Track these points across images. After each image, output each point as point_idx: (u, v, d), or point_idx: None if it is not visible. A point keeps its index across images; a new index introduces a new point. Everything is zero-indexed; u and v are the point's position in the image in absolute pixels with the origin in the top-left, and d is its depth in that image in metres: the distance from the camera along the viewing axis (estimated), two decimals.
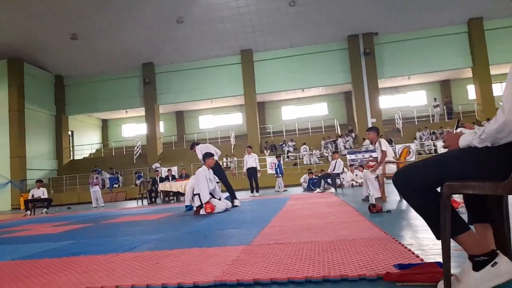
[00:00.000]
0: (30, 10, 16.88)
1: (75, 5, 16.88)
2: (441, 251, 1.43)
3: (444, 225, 1.41)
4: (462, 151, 1.44)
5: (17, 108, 19.75)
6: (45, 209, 11.32)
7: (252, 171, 11.04)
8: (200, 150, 7.50)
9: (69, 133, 24.21)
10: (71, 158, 24.12)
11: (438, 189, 1.48)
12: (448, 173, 1.43)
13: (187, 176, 12.79)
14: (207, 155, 6.60)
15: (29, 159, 20.30)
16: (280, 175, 13.04)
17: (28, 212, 11.07)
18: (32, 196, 11.47)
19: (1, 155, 19.56)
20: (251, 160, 11.09)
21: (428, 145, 18.56)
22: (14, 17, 17.28)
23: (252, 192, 11.10)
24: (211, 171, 6.55)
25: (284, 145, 21.14)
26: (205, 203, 5.93)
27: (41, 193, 11.50)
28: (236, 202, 7.01)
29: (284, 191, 12.59)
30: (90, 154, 25.46)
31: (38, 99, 21.56)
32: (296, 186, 14.91)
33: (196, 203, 6.15)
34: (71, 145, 24.55)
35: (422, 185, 1.47)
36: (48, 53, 20.60)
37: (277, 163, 13.25)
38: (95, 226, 5.38)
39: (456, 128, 1.67)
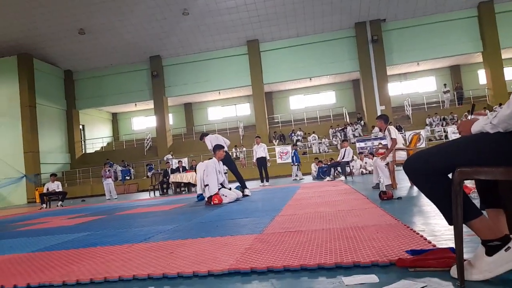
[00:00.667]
0: (38, 5, 17.01)
1: (82, 0, 16.97)
2: (453, 236, 1.44)
3: (456, 211, 1.41)
4: (474, 136, 1.44)
5: (28, 104, 20.03)
6: (60, 202, 11.54)
7: (261, 161, 11.09)
8: (210, 140, 7.56)
9: (80, 127, 24.51)
10: (83, 152, 24.46)
11: (450, 175, 1.48)
12: (460, 158, 1.43)
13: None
14: (218, 147, 6.63)
15: (42, 153, 20.65)
16: (297, 164, 13.11)
17: (44, 205, 11.31)
18: (47, 189, 11.70)
19: (15, 150, 19.92)
20: (260, 150, 11.13)
21: (438, 131, 18.36)
22: (22, 14, 17.45)
23: (262, 181, 11.17)
24: (221, 163, 6.60)
25: (293, 134, 21.11)
26: (213, 195, 5.99)
27: (56, 186, 11.73)
28: (247, 192, 7.06)
29: (301, 179, 12.66)
30: (102, 147, 25.77)
31: (49, 94, 21.82)
32: (306, 175, 14.91)
33: (207, 193, 6.22)
34: (82, 139, 24.88)
35: (433, 171, 1.48)
36: (56, 48, 20.79)
37: (293, 151, 13.36)
38: (110, 218, 5.48)
39: (471, 113, 1.66)
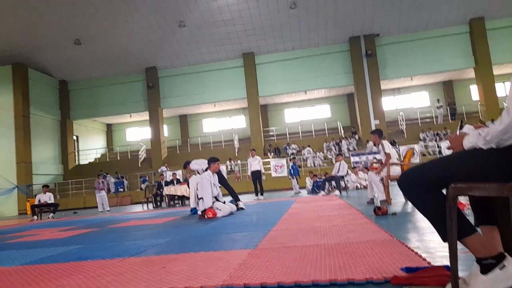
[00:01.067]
0: (33, 15, 17.05)
1: (78, 10, 17.05)
2: (448, 253, 1.43)
3: (450, 227, 1.41)
4: (467, 152, 1.44)
5: (22, 114, 19.90)
6: (51, 214, 11.38)
7: (256, 174, 11.02)
8: (195, 162, 7.57)
9: (74, 138, 24.33)
10: (77, 163, 24.24)
11: (444, 191, 1.48)
12: (454, 174, 1.43)
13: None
14: (213, 160, 6.61)
15: (34, 164, 20.44)
16: (296, 176, 13.09)
17: (35, 217, 11.13)
18: (39, 201, 11.53)
19: (7, 160, 19.69)
20: (255, 163, 11.07)
21: (432, 146, 18.49)
22: (18, 23, 17.47)
23: (256, 195, 11.10)
24: (215, 175, 6.58)
25: (287, 147, 21.14)
26: (207, 209, 5.93)
27: (48, 198, 11.57)
28: (241, 205, 7.02)
29: (298, 192, 12.64)
30: (95, 158, 25.57)
31: (43, 104, 21.71)
32: (301, 188, 14.86)
33: (201, 207, 6.17)
34: (76, 149, 24.68)
35: (427, 186, 1.48)
36: (51, 58, 20.78)
37: (292, 164, 13.34)
38: (102, 231, 5.41)
39: (460, 129, 1.67)
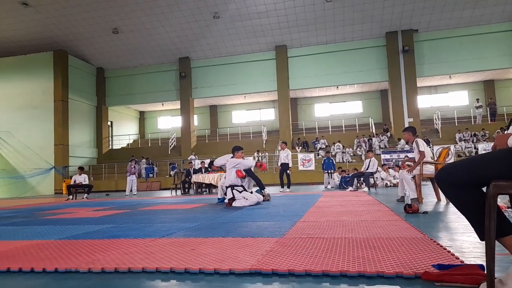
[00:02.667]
0: (75, 5, 17.71)
1: (118, 1, 17.57)
2: (482, 254, 1.40)
3: (489, 226, 1.37)
4: (510, 150, 1.39)
5: (61, 98, 20.79)
6: (85, 195, 11.90)
7: (284, 167, 11.06)
8: (218, 160, 7.57)
9: (109, 123, 25.22)
10: (110, 148, 25.13)
11: (483, 189, 1.44)
12: (495, 172, 1.39)
13: (220, 169, 12.98)
14: (236, 149, 6.69)
15: (71, 147, 21.37)
16: (330, 171, 12.98)
17: (70, 197, 11.68)
18: (74, 181, 12.07)
19: (46, 142, 20.70)
20: (284, 156, 11.10)
21: (468, 147, 17.77)
22: (59, 12, 18.22)
23: (282, 187, 11.12)
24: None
25: (316, 142, 20.96)
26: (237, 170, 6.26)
27: (83, 179, 12.09)
28: (266, 191, 6.97)
29: (331, 187, 12.55)
30: (128, 144, 26.41)
31: (81, 90, 22.59)
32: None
33: (228, 195, 6.26)
34: (110, 135, 25.57)
35: (466, 183, 1.44)
36: (90, 46, 21.53)
37: (325, 159, 13.32)
38: (133, 213, 5.60)
39: (508, 128, 1.61)
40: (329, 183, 12.97)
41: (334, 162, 13.59)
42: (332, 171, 13.01)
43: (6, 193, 20.32)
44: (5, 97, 21.42)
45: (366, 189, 9.89)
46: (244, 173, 6.39)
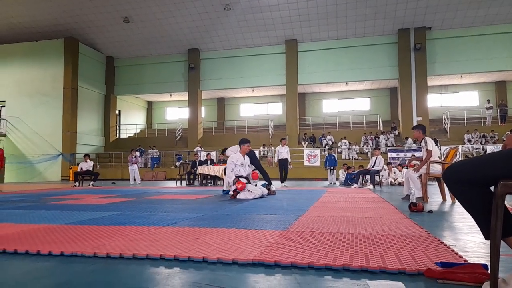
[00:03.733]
0: None
1: None
2: (486, 254, 1.39)
3: (495, 225, 1.36)
4: None
5: (71, 86, 20.94)
6: (92, 182, 12.02)
7: (284, 162, 11.16)
8: (230, 149, 7.72)
9: (117, 112, 25.37)
10: (117, 136, 25.31)
11: (490, 188, 1.43)
12: (504, 171, 1.37)
13: (225, 162, 13.03)
14: (243, 141, 6.70)
15: (79, 134, 21.56)
16: (331, 168, 12.95)
17: (77, 184, 11.81)
18: (81, 168, 12.19)
19: (55, 129, 20.90)
20: (284, 152, 11.17)
21: (477, 149, 17.60)
22: (71, 0, 18.25)
23: (282, 182, 11.21)
24: (247, 157, 6.67)
25: (323, 138, 20.89)
26: (237, 181, 6.19)
27: (89, 166, 12.21)
28: (273, 188, 7.06)
29: (333, 183, 12.55)
30: (135, 133, 26.57)
31: (90, 78, 22.72)
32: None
33: (233, 187, 6.28)
34: (117, 123, 25.73)
35: (474, 181, 1.43)
36: (101, 34, 21.60)
37: (327, 155, 13.27)
38: (138, 201, 5.65)
39: None
40: (333, 179, 12.93)
41: (336, 159, 13.50)
42: (332, 167, 12.94)
43: (14, 177, 20.62)
44: (16, 83, 21.62)
45: (371, 186, 9.86)
46: (259, 174, 6.47)
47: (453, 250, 2.07)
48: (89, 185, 11.82)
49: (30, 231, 2.79)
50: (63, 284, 1.57)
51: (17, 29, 20.97)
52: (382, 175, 11.35)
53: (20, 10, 19.19)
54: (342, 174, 12.87)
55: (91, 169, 12.24)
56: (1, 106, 22.65)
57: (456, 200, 5.34)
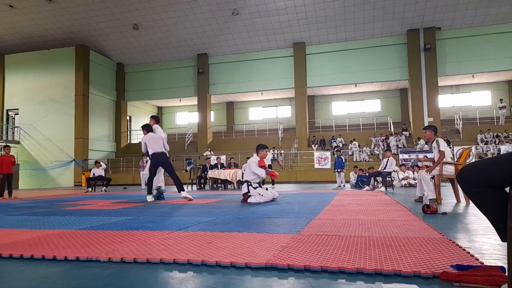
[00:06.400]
0: (97, 0, 18.05)
1: None
2: (503, 256, 1.37)
3: (511, 226, 1.34)
4: None
5: (82, 93, 21.23)
6: (104, 188, 12.14)
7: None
8: (145, 140, 7.18)
9: (127, 118, 25.63)
10: (128, 142, 25.55)
11: (506, 189, 1.41)
12: None
13: (235, 165, 13.06)
14: (261, 147, 6.70)
15: (91, 140, 21.83)
16: (339, 170, 12.79)
17: (90, 189, 11.94)
18: (93, 174, 12.33)
19: (67, 135, 21.19)
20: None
21: (490, 149, 17.31)
22: (82, 8, 18.60)
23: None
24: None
25: (332, 140, 20.79)
26: (269, 171, 6.63)
27: (101, 172, 12.34)
28: (184, 194, 6.65)
29: (342, 186, 12.41)
30: None
31: (101, 84, 23.02)
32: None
33: (243, 190, 6.29)
34: (128, 129, 25.99)
35: (489, 182, 1.41)
36: (111, 41, 21.90)
37: (335, 158, 13.13)
38: (150, 206, 5.70)
39: None
40: (341, 182, 12.77)
41: (344, 161, 13.35)
42: (340, 170, 12.76)
43: (28, 184, 20.95)
44: (29, 91, 22.02)
45: (383, 188, 9.77)
46: (266, 163, 6.61)
47: (468, 252, 2.04)
48: (101, 190, 11.94)
49: (45, 237, 2.83)
50: None
51: (29, 38, 21.40)
52: (394, 177, 11.23)
53: (32, 19, 19.59)
54: (353, 176, 12.76)
55: (103, 174, 12.38)
56: (15, 114, 23.09)
57: (470, 202, 5.26)
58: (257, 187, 6.28)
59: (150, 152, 7.00)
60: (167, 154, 7.22)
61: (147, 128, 7.25)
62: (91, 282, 1.68)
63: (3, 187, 9.37)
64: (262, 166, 6.45)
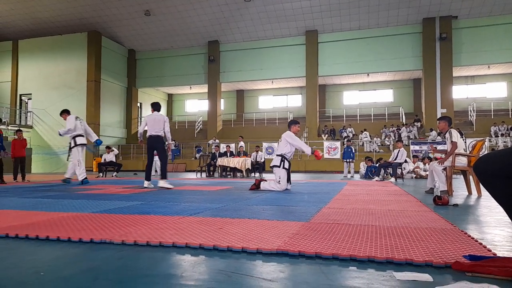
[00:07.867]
0: None
1: None
2: None
3: None
4: None
5: (94, 78, 21.38)
6: (115, 173, 12.32)
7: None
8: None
9: (138, 104, 25.77)
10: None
11: None
12: None
13: (244, 154, 13.09)
14: (293, 122, 6.54)
15: (102, 126, 22.05)
16: (348, 160, 12.74)
17: (101, 174, 12.14)
18: (105, 160, 12.51)
19: None
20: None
21: (504, 142, 17.02)
22: None
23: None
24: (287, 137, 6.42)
25: (343, 130, 20.66)
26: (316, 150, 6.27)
27: (112, 157, 12.51)
28: (161, 183, 6.58)
29: (350, 177, 12.38)
30: None
31: (112, 71, 23.13)
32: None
33: (274, 162, 6.23)
34: (139, 116, 26.17)
35: (505, 173, 1.39)
36: (123, 28, 21.92)
37: (345, 148, 13.08)
38: (161, 191, 5.76)
39: None
40: (349, 172, 12.73)
41: (354, 151, 13.27)
42: (349, 160, 12.70)
43: (40, 168, 21.32)
44: (42, 77, 22.25)
45: (393, 179, 9.71)
46: (321, 154, 6.30)
47: (481, 244, 2.03)
48: (112, 176, 12.11)
49: (60, 219, 2.89)
50: (95, 268, 1.63)
51: (43, 23, 21.53)
52: (404, 168, 11.15)
53: (45, 5, 19.67)
54: (363, 166, 12.71)
55: (114, 160, 12.55)
56: (28, 99, 23.39)
57: (482, 194, 5.20)
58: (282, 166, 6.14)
59: (148, 134, 6.83)
60: (166, 138, 6.97)
61: (155, 107, 7.07)
62: (106, 263, 1.72)
63: (16, 170, 9.57)
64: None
